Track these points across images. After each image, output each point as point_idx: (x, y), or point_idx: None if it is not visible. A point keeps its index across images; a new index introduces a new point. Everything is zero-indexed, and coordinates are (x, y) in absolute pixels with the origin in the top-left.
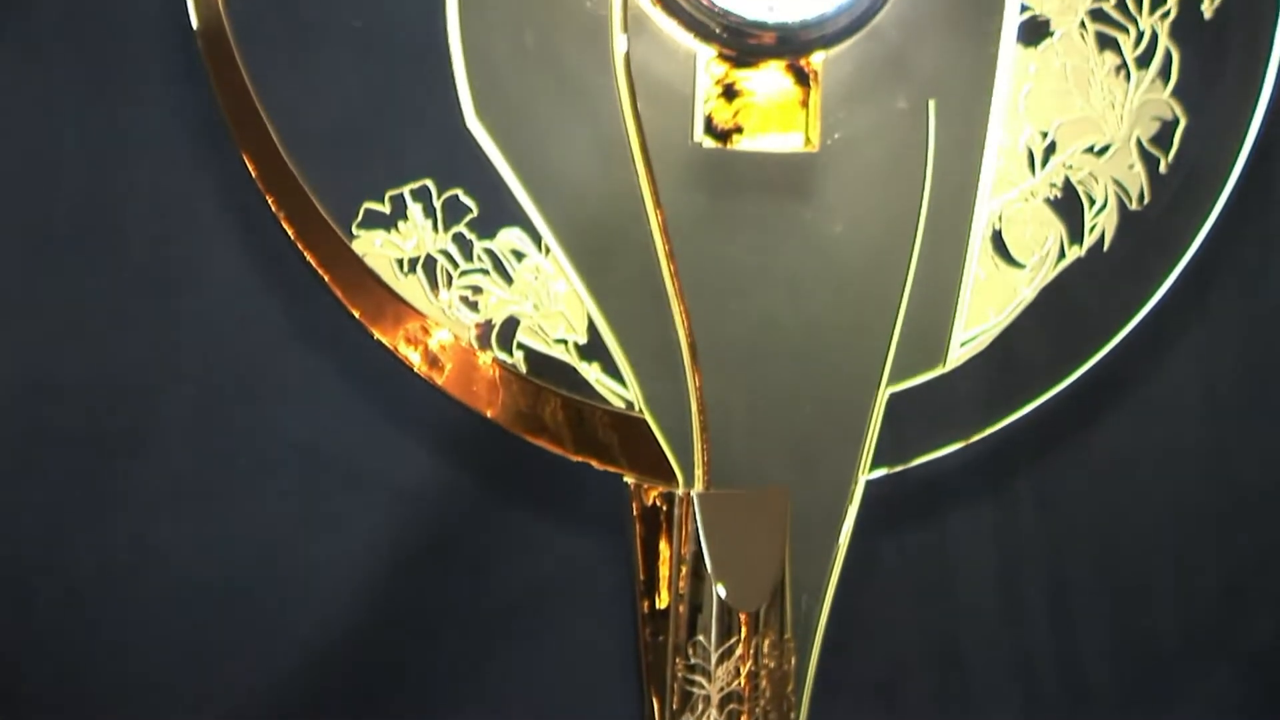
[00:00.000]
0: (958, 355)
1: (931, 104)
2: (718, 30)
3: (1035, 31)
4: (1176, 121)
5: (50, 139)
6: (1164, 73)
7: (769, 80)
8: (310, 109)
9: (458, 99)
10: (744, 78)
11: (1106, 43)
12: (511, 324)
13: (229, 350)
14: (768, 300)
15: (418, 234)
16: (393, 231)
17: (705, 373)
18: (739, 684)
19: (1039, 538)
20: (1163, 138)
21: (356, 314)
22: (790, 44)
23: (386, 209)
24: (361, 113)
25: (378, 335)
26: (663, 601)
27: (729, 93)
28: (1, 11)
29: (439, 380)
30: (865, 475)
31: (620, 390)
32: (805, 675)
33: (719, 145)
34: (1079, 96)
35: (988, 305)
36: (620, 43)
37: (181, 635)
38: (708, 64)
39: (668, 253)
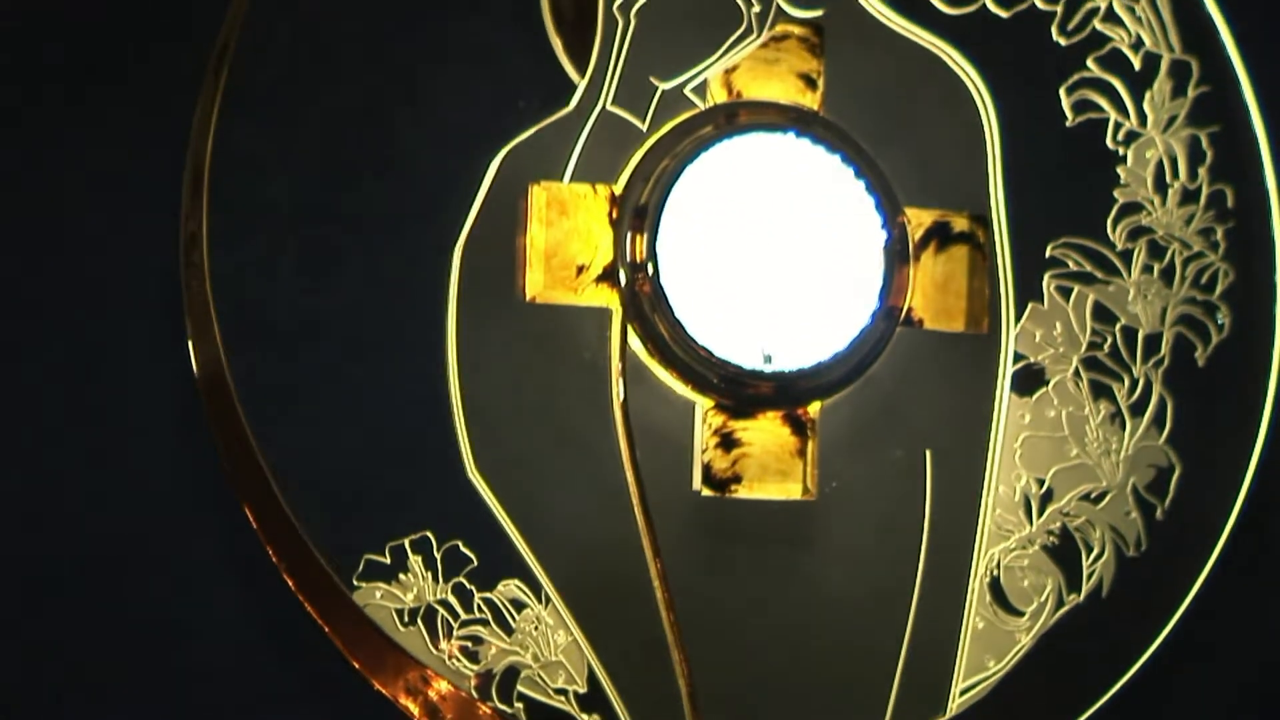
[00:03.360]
0: (958, 703)
1: (928, 453)
2: (715, 380)
3: (1030, 380)
4: (1172, 468)
5: (49, 487)
6: (1159, 420)
7: (767, 429)
8: (311, 461)
9: (458, 450)
10: (742, 427)
11: (1101, 391)
12: (511, 674)
13: (229, 702)
14: (768, 648)
15: (418, 585)
16: (393, 583)
17: None
18: None
19: None
20: (1159, 485)
21: (357, 665)
22: (787, 394)
23: (387, 560)
24: (362, 465)
25: (378, 686)
26: None
27: (727, 442)
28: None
29: None
30: None
31: None
32: None
33: (718, 494)
34: (1074, 444)
35: (987, 653)
36: (619, 392)
37: None
38: (706, 413)
39: (667, 602)
